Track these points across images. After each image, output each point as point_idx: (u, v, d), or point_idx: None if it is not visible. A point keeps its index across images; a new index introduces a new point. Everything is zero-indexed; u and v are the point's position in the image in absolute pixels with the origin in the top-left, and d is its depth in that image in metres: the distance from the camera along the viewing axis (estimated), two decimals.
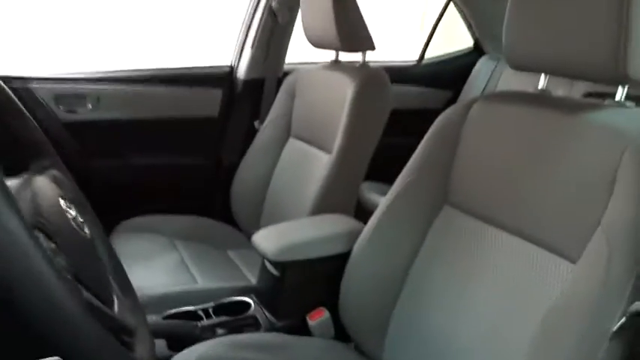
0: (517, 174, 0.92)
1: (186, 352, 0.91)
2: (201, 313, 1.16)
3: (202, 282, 1.36)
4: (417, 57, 2.41)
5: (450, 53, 2.52)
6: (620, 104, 0.87)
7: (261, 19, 1.79)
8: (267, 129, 1.72)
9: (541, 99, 0.96)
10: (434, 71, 2.42)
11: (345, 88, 1.42)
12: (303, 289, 1.15)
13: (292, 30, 1.83)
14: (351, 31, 1.43)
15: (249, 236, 1.67)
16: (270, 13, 1.77)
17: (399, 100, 2.21)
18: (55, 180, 0.72)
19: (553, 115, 0.90)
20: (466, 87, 2.42)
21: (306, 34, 1.57)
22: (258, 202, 1.71)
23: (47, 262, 0.47)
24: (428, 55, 2.43)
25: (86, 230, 0.67)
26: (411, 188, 1.06)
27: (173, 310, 1.15)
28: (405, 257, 1.06)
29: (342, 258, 1.12)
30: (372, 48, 1.47)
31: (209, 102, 1.85)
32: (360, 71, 1.45)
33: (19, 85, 1.56)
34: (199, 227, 1.72)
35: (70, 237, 0.62)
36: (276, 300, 1.15)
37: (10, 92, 0.70)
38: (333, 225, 1.22)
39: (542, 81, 0.98)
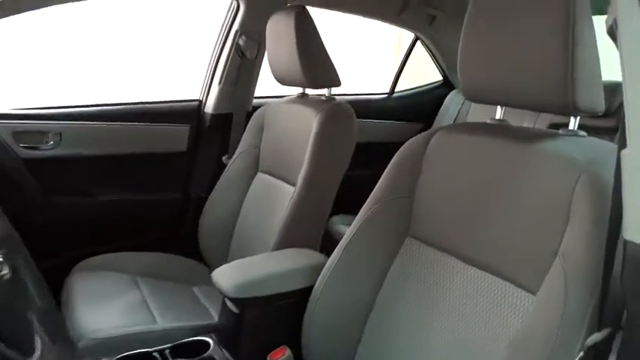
0: (476, 204, 0.91)
1: None
2: (157, 355, 1.10)
3: (162, 322, 1.31)
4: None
5: (421, 86, 2.57)
6: (574, 133, 0.88)
7: (228, 56, 1.80)
8: (235, 163, 1.70)
9: (498, 129, 0.96)
10: (405, 104, 2.46)
11: (310, 121, 1.42)
12: (264, 326, 1.11)
13: (260, 65, 1.84)
14: (316, 69, 1.44)
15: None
16: (238, 50, 1.78)
17: (370, 132, 2.26)
18: None
19: (510, 145, 0.90)
20: (437, 119, 2.45)
21: (272, 72, 1.58)
22: (225, 237, 1.68)
23: None
24: (399, 88, 2.47)
25: (4, 272, 0.62)
26: (374, 219, 1.05)
27: (128, 353, 1.09)
28: (369, 290, 1.04)
29: (305, 293, 1.08)
30: (337, 84, 1.48)
31: (177, 137, 1.84)
32: (325, 104, 1.46)
33: None
34: (164, 264, 1.67)
35: None
36: (236, 339, 1.10)
37: None
38: (295, 259, 1.19)
39: (499, 112, 0.99)
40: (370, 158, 1.75)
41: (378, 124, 2.34)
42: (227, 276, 1.11)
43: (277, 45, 1.49)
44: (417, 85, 2.57)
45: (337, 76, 1.46)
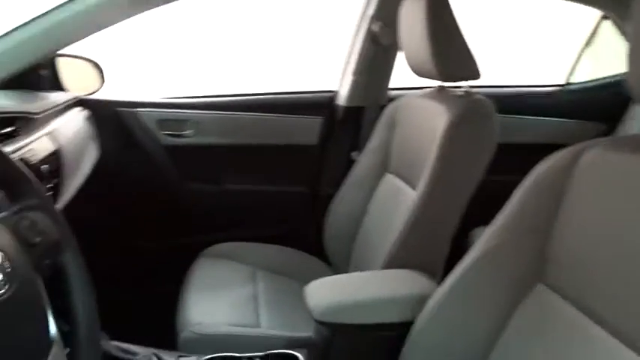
0: (636, 256, 0.64)
1: None
2: None
3: (264, 326, 1.27)
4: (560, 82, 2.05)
5: (603, 78, 2.11)
6: None
7: (362, 44, 1.66)
8: (363, 161, 1.58)
9: None
10: (581, 98, 2.04)
11: (439, 119, 1.22)
12: (355, 357, 0.97)
13: (395, 54, 1.67)
14: (450, 60, 1.23)
15: (337, 272, 1.56)
16: (372, 38, 1.64)
17: (532, 132, 1.92)
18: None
19: None
20: (624, 122, 1.99)
21: (407, 62, 1.40)
22: (349, 240, 1.57)
23: None
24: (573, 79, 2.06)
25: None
26: (498, 253, 0.84)
27: (216, 355, 1.06)
28: (483, 339, 0.83)
29: (405, 327, 0.92)
30: (475, 77, 1.24)
31: (308, 130, 1.78)
32: (459, 100, 1.24)
33: (126, 109, 1.65)
34: (286, 259, 1.64)
35: None
36: None
37: None
38: (401, 284, 1.03)
39: None
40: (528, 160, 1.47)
41: (545, 121, 1.98)
42: (318, 294, 1.00)
43: (410, 32, 1.31)
44: (600, 77, 2.11)
45: (476, 68, 1.23)
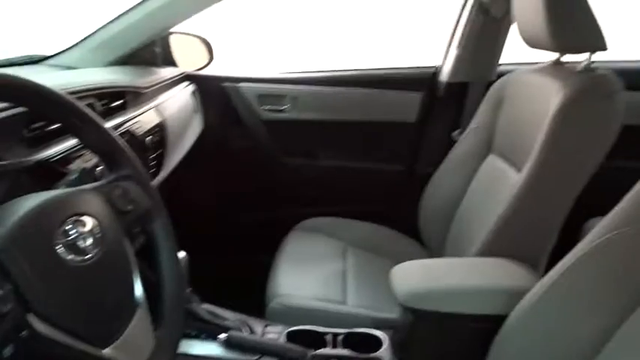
0: None
1: None
2: (329, 338, 1.04)
3: (350, 304, 1.26)
4: None
5: None
6: None
7: (469, 16, 1.54)
8: (465, 140, 1.48)
9: None
10: None
11: (553, 97, 1.09)
12: (440, 346, 0.92)
13: (508, 26, 1.52)
14: (570, 27, 1.08)
15: (432, 254, 1.50)
16: (481, 8, 1.51)
17: None
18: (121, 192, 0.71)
19: None
20: None
21: (519, 31, 1.27)
22: (445, 223, 1.50)
23: None
24: None
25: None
26: (611, 249, 0.74)
27: (301, 327, 1.07)
28: (584, 346, 0.74)
29: (496, 321, 0.85)
30: (601, 48, 1.08)
31: (407, 106, 1.71)
32: (577, 76, 1.10)
33: (229, 84, 1.70)
34: (379, 237, 1.62)
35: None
36: (407, 349, 0.96)
37: (79, 106, 0.72)
38: (496, 274, 0.95)
39: None
40: None
41: None
42: (405, 277, 0.96)
43: None
44: None
45: (601, 37, 1.07)
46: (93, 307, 0.58)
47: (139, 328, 0.64)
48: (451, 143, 1.56)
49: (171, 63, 1.65)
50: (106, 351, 0.58)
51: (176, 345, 0.69)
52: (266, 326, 1.04)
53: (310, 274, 1.37)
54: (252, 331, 1.01)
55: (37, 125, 0.83)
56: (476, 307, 0.89)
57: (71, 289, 0.56)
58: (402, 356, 0.98)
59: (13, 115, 0.76)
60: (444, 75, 1.66)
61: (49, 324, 0.52)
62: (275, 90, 1.72)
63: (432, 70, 1.71)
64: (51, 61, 1.45)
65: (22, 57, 1.44)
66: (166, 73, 1.52)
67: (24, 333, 0.50)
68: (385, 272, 1.41)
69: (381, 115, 1.73)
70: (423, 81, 1.70)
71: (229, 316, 1.06)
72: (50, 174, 0.81)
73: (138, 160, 0.76)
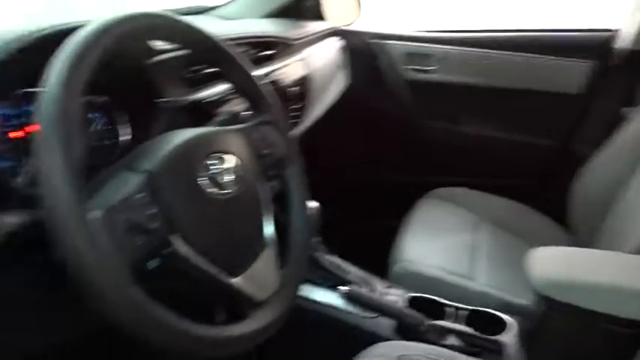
0: None
1: (367, 351, 0.81)
2: (450, 310, 1.01)
3: (479, 281, 1.19)
4: None
5: None
6: None
7: None
8: (637, 120, 1.29)
9: None
10: None
11: None
12: (572, 345, 0.84)
13: None
14: None
15: (578, 243, 1.35)
16: None
17: None
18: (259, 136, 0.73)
19: None
20: None
21: None
22: (602, 209, 1.33)
23: None
24: None
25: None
26: None
27: (423, 295, 1.04)
28: None
29: None
30: None
31: (571, 75, 1.52)
32: None
33: (376, 41, 1.67)
34: (518, 216, 1.50)
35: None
36: (535, 341, 0.88)
37: (232, 52, 0.75)
38: None
39: None
40: None
41: None
42: (545, 262, 0.88)
43: None
44: None
45: None
46: (226, 237, 0.63)
47: (266, 265, 0.67)
48: (619, 121, 1.36)
49: (321, 17, 1.67)
50: (234, 279, 0.62)
51: (297, 286, 0.72)
52: (388, 287, 1.04)
53: (438, 244, 1.33)
54: (372, 290, 1.01)
55: (196, 68, 0.89)
56: (624, 309, 0.78)
57: (209, 219, 0.61)
58: (528, 346, 0.91)
59: (177, 57, 0.83)
60: (624, 41, 1.43)
61: (188, 246, 0.57)
62: (423, 49, 1.65)
63: (607, 35, 1.49)
64: (214, 12, 1.55)
65: (190, 7, 1.57)
66: (316, 26, 1.53)
67: (167, 250, 0.55)
68: (520, 253, 1.31)
69: (539, 84, 1.57)
70: (594, 47, 1.49)
71: (352, 270, 1.07)
72: (202, 114, 0.88)
73: (279, 107, 0.78)
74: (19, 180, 0.66)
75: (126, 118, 0.80)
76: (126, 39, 0.63)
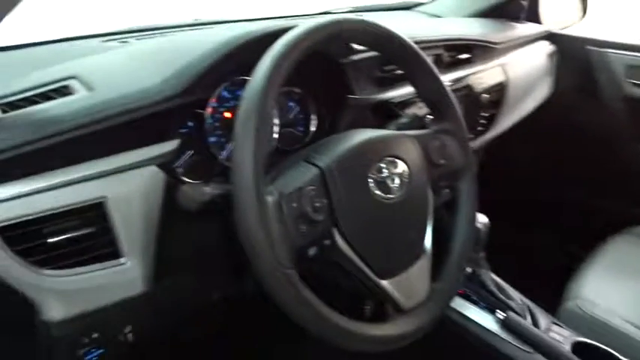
0: None
1: None
2: None
3: None
4: None
5: None
6: None
7: None
8: None
9: None
10: None
11: None
12: None
13: None
14: None
15: None
16: None
17: None
18: (436, 146, 0.72)
19: None
20: None
21: None
22: None
23: None
24: None
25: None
26: None
27: (595, 343, 0.93)
28: None
29: None
30: None
31: None
32: None
33: (594, 48, 1.48)
34: None
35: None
36: None
37: (421, 55, 0.73)
38: None
39: None
40: None
41: None
42: None
43: None
44: None
45: None
46: (384, 240, 0.65)
47: (419, 273, 0.68)
48: None
49: (535, 19, 1.54)
50: (384, 282, 0.64)
51: (448, 301, 0.71)
52: (553, 324, 0.95)
53: (627, 289, 1.15)
54: (534, 323, 0.94)
55: (388, 68, 0.92)
56: None
57: (371, 220, 0.64)
58: None
59: (371, 57, 0.87)
60: None
61: (346, 241, 0.61)
62: None
63: None
64: (420, 8, 1.55)
65: (397, 3, 1.59)
66: (526, 29, 1.43)
67: (327, 242, 0.60)
68: None
69: None
70: None
71: (515, 296, 1.00)
72: (387, 113, 0.90)
73: (461, 117, 0.76)
74: (224, 154, 0.77)
75: (315, 110, 0.87)
76: (326, 41, 0.68)
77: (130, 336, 0.65)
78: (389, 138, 0.70)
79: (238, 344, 1.09)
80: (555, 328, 0.93)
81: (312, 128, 0.88)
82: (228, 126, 0.77)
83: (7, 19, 0.57)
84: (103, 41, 0.97)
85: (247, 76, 0.60)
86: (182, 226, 0.67)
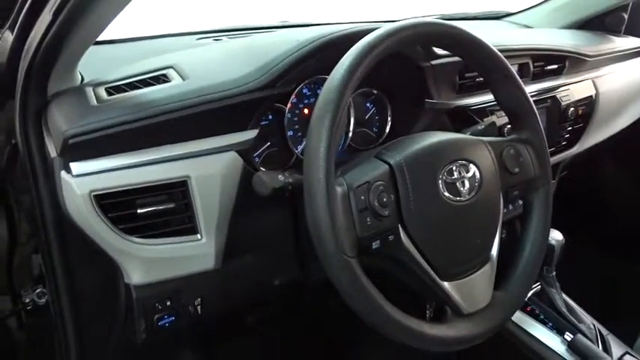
0: None
1: None
2: None
3: None
4: None
5: None
6: None
7: None
8: None
9: None
10: None
11: None
12: None
13: None
14: None
15: None
16: None
17: None
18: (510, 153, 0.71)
19: None
20: None
21: None
22: None
23: None
24: None
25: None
26: None
27: None
28: None
29: None
30: None
31: None
32: None
33: None
34: None
35: None
36: None
37: (505, 63, 0.72)
38: None
39: None
40: None
41: None
42: None
43: None
44: None
45: None
46: (449, 243, 0.65)
47: (482, 280, 0.67)
48: None
49: (638, 33, 1.44)
50: (445, 284, 0.64)
51: (510, 312, 0.69)
52: (625, 354, 0.89)
53: None
54: (605, 349, 0.89)
55: (469, 75, 0.91)
56: None
57: (437, 220, 0.64)
58: None
59: (452, 63, 0.87)
60: None
61: (410, 239, 0.62)
62: None
63: None
64: (510, 18, 1.51)
65: (486, 12, 1.56)
66: (625, 43, 1.34)
67: (391, 237, 0.61)
68: None
69: None
70: None
71: (587, 319, 0.95)
72: (464, 120, 0.90)
73: (542, 128, 0.74)
74: (299, 148, 0.81)
75: (391, 112, 0.89)
76: (408, 44, 0.69)
77: (199, 309, 0.70)
78: (462, 141, 0.70)
79: (294, 333, 1.12)
80: (628, 358, 0.87)
81: (387, 130, 0.89)
82: (305, 122, 0.80)
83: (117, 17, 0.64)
84: (198, 39, 1.05)
85: (328, 75, 0.62)
86: (253, 211, 0.71)
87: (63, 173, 0.62)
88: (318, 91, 0.79)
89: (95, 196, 0.61)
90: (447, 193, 0.65)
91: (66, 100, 0.69)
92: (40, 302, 0.81)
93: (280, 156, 0.79)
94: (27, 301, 0.81)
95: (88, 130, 0.62)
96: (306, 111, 0.81)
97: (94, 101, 0.67)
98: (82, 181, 0.61)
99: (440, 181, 0.65)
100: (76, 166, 0.62)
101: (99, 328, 0.77)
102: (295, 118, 0.81)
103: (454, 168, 0.66)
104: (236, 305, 0.79)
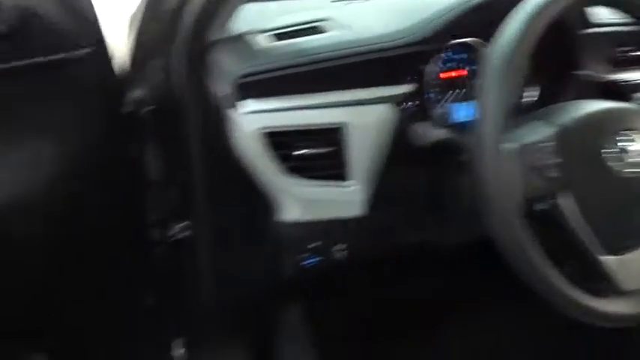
0: None
1: None
2: None
3: None
4: None
5: None
6: None
7: None
8: None
9: None
10: None
11: None
12: None
13: None
14: None
15: None
16: None
17: None
18: None
19: None
20: None
21: None
22: None
23: None
24: None
25: None
26: None
27: None
28: None
29: None
30: None
31: None
32: None
33: None
34: None
35: None
36: None
37: None
38: None
39: None
40: None
41: None
42: None
43: None
44: None
45: None
46: (616, 214, 0.62)
47: None
48: None
49: None
50: (605, 257, 0.61)
51: None
52: None
53: None
54: None
55: (625, 48, 0.86)
56: None
57: (602, 190, 0.61)
58: None
59: (610, 33, 0.82)
60: None
61: (576, 204, 0.59)
62: None
63: None
64: None
65: None
66: None
67: (555, 201, 0.59)
68: None
69: None
70: None
71: None
72: (616, 95, 0.84)
73: None
74: (437, 111, 0.80)
75: (539, 80, 0.85)
76: (577, 5, 0.66)
77: (343, 253, 0.72)
78: (630, 111, 0.66)
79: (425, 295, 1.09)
80: None
81: (533, 99, 0.86)
82: (442, 85, 0.79)
83: None
84: (332, 1, 1.06)
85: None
86: (401, 164, 0.72)
87: (233, 111, 0.66)
88: (462, 56, 0.78)
89: (263, 133, 0.64)
90: (613, 163, 0.61)
91: (230, 45, 0.73)
92: (183, 235, 0.85)
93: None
94: (171, 234, 0.86)
95: (259, 71, 0.65)
96: (445, 75, 0.80)
97: (261, 46, 0.70)
98: (252, 118, 0.65)
99: (604, 150, 0.62)
100: (245, 104, 0.65)
101: (237, 265, 0.81)
102: (433, 82, 0.79)
103: (622, 138, 0.63)
104: (375, 256, 0.80)
